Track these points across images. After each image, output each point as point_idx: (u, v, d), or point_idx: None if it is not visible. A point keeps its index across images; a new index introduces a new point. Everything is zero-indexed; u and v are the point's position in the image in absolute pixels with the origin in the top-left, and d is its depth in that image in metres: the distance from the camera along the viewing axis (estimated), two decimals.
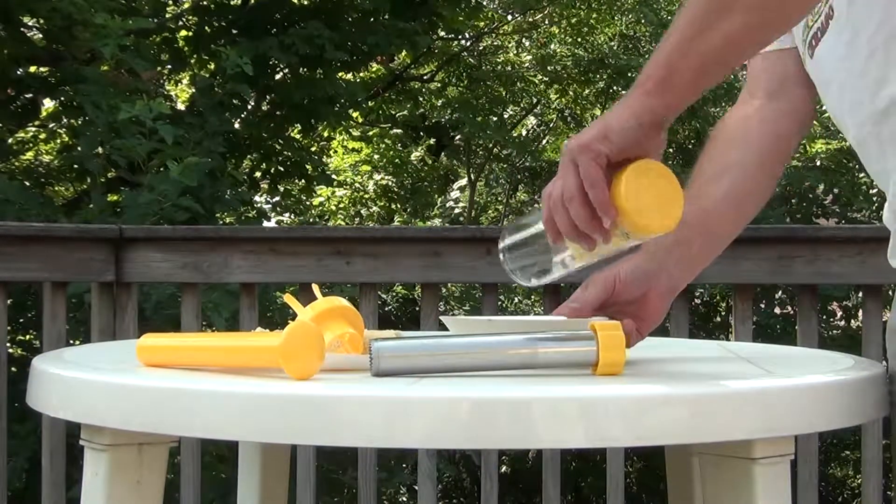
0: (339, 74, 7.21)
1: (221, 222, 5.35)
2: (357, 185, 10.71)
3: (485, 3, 9.38)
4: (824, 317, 6.36)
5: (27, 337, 5.28)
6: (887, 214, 1.19)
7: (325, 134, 9.38)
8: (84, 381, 1.04)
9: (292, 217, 9.77)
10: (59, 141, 7.01)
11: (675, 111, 1.08)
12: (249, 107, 6.67)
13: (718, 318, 7.43)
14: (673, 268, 1.30)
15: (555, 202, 1.09)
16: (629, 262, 1.27)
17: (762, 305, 6.33)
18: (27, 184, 5.71)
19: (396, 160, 10.60)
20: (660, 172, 1.08)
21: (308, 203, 9.92)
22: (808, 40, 1.22)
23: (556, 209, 1.09)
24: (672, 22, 1.08)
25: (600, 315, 1.23)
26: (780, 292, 6.37)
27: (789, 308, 6.39)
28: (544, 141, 11.46)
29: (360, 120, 9.30)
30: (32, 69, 6.22)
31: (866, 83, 1.13)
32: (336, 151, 10.64)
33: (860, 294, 3.00)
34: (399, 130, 10.34)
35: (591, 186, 1.05)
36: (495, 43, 11.11)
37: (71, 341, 3.30)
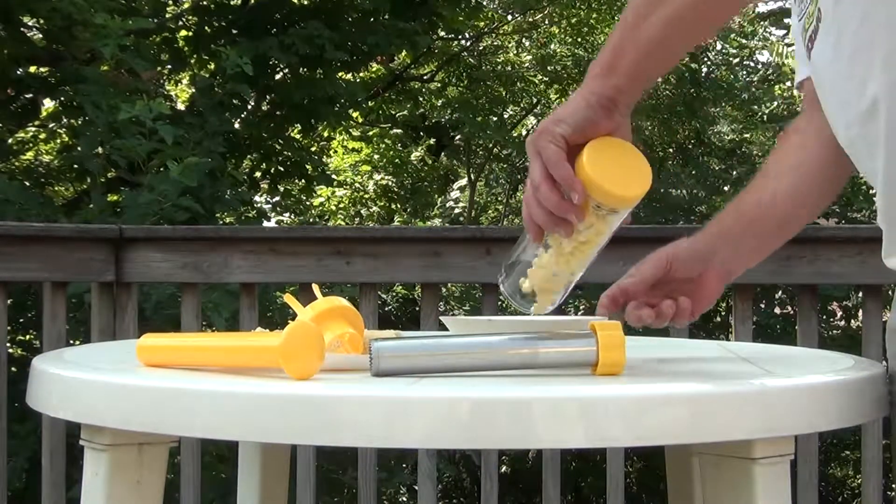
0: (339, 74, 7.21)
1: (221, 222, 5.35)
2: (357, 185, 10.72)
3: (485, 3, 9.38)
4: (824, 317, 6.36)
5: (27, 337, 5.28)
6: (879, 216, 1.20)
7: (325, 134, 9.38)
8: (84, 381, 1.04)
9: (292, 217, 9.77)
10: (59, 141, 7.01)
11: (626, 94, 1.11)
12: (249, 107, 6.67)
13: (718, 318, 7.43)
14: (727, 253, 1.33)
15: (526, 196, 1.12)
16: (686, 243, 1.30)
17: (762, 305, 6.33)
18: (27, 184, 5.71)
19: (396, 160, 10.60)
20: (619, 145, 1.10)
21: (308, 203, 9.92)
22: (806, 44, 1.23)
23: (529, 203, 1.11)
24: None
25: (657, 293, 1.27)
26: (780, 292, 6.37)
27: (789, 308, 6.39)
28: None
29: (360, 120, 9.30)
30: (32, 69, 6.22)
31: (852, 84, 1.13)
32: (336, 151, 10.64)
33: (860, 294, 2.99)
34: (399, 130, 10.34)
35: (553, 167, 1.08)
36: (495, 43, 11.11)
37: (71, 341, 3.30)
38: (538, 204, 1.10)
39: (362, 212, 10.77)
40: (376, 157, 10.62)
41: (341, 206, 10.59)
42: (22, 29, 5.96)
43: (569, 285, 1.20)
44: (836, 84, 1.17)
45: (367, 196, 10.73)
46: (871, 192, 7.16)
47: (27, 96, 6.41)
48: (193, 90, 6.85)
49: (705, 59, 11.01)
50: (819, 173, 1.35)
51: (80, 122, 5.48)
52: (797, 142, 1.38)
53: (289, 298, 1.22)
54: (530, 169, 1.10)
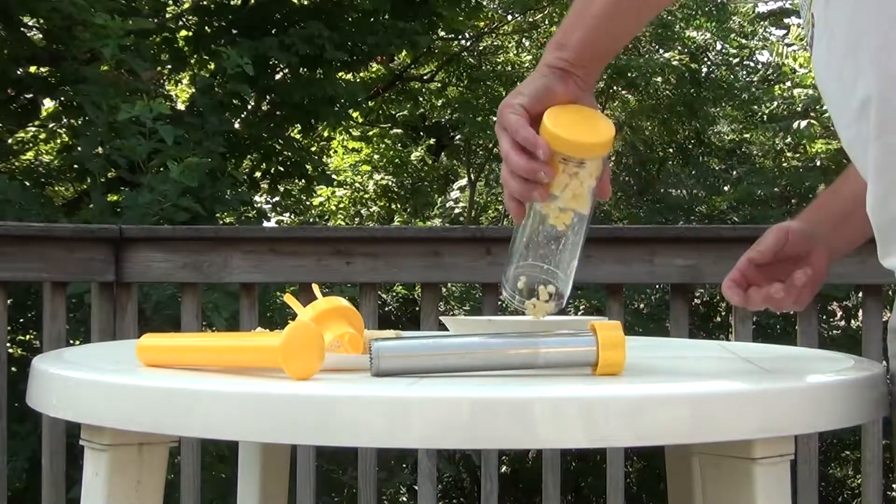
0: (339, 74, 7.22)
1: (221, 222, 5.35)
2: (357, 185, 10.72)
3: (485, 3, 9.38)
4: (824, 317, 6.36)
5: (27, 337, 5.29)
6: (870, 216, 1.20)
7: (325, 134, 9.38)
8: (84, 381, 1.04)
9: (292, 217, 9.77)
10: (59, 141, 7.02)
11: (579, 67, 1.16)
12: (249, 107, 6.68)
13: (718, 318, 7.43)
14: (831, 234, 1.39)
15: (502, 175, 1.15)
16: (796, 221, 1.36)
17: None
18: (27, 184, 5.71)
19: (396, 160, 10.60)
20: (580, 109, 1.14)
21: (308, 203, 9.92)
22: (807, 49, 1.24)
23: (504, 179, 1.14)
24: None
25: (772, 275, 1.30)
26: None
27: None
28: None
29: (360, 120, 9.30)
30: (32, 69, 6.22)
31: (844, 85, 1.14)
32: (336, 151, 10.64)
33: (860, 294, 2.99)
34: (399, 130, 10.34)
35: (515, 132, 1.11)
36: (495, 43, 11.11)
37: (71, 341, 3.30)
38: (511, 175, 1.13)
39: (362, 212, 10.77)
40: (376, 157, 10.63)
41: (341, 206, 10.59)
42: (22, 29, 5.96)
43: (565, 275, 1.17)
44: (831, 86, 1.18)
45: (367, 196, 10.73)
46: None
47: (27, 96, 6.41)
48: (193, 90, 6.86)
49: (705, 59, 11.01)
50: None
51: (80, 122, 5.48)
52: None
53: (289, 298, 1.22)
54: (500, 145, 1.14)
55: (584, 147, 1.11)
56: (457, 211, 10.79)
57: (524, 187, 1.12)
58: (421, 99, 10.30)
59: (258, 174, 7.22)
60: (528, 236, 1.16)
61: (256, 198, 7.48)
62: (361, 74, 8.38)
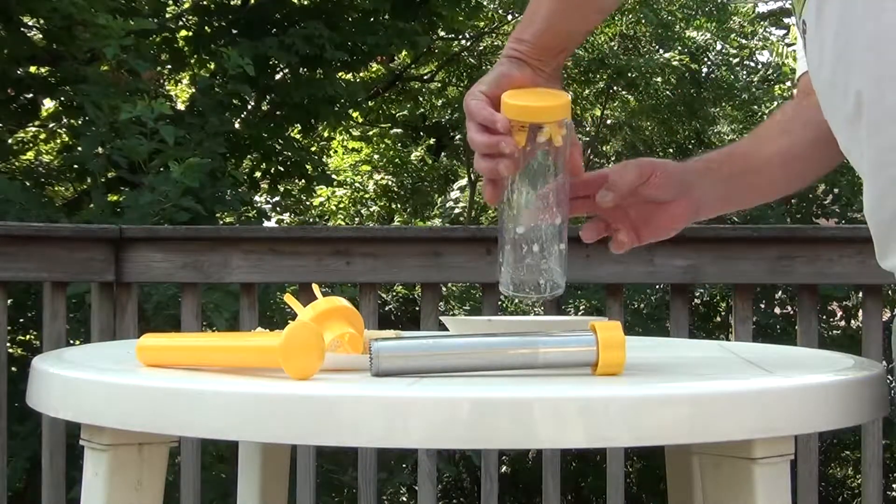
0: (339, 74, 7.22)
1: (221, 222, 5.35)
2: (357, 185, 10.71)
3: (485, 3, 9.38)
4: (824, 317, 6.36)
5: (27, 337, 5.28)
6: (867, 218, 1.20)
7: (325, 134, 9.38)
8: (84, 381, 1.04)
9: (292, 217, 9.77)
10: (59, 141, 7.02)
11: (536, 59, 1.19)
12: (249, 107, 6.68)
13: (718, 318, 7.42)
14: (706, 189, 1.31)
15: (475, 162, 1.18)
16: (671, 163, 1.30)
17: (762, 305, 6.32)
18: (27, 184, 5.71)
19: (396, 160, 10.60)
20: (536, 88, 1.18)
21: (308, 203, 9.92)
22: (802, 51, 1.24)
23: (476, 162, 1.17)
24: None
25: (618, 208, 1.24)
26: (780, 292, 6.36)
27: (789, 308, 6.39)
28: None
29: (360, 120, 9.30)
30: (32, 69, 6.22)
31: (837, 90, 1.14)
32: (336, 151, 10.64)
33: (860, 294, 2.99)
34: (399, 130, 10.34)
35: (475, 115, 1.16)
36: (495, 43, 11.11)
37: (71, 341, 3.30)
38: (480, 156, 1.16)
39: (362, 212, 10.77)
40: (376, 157, 10.63)
41: (341, 206, 10.59)
42: (22, 29, 5.96)
43: (558, 266, 1.17)
44: (826, 92, 1.18)
45: (367, 196, 10.73)
46: None
47: (27, 96, 6.41)
48: (193, 90, 6.86)
49: (705, 59, 11.01)
50: (812, 145, 1.35)
51: (80, 122, 5.48)
52: (794, 114, 1.39)
53: (289, 298, 1.22)
54: (467, 133, 1.17)
55: (539, 110, 1.14)
56: (457, 211, 10.79)
57: (491, 163, 1.15)
58: (421, 99, 10.30)
59: (258, 174, 7.22)
60: (511, 233, 1.17)
61: (256, 198, 7.48)
62: (361, 74, 8.38)
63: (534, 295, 1.19)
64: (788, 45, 9.27)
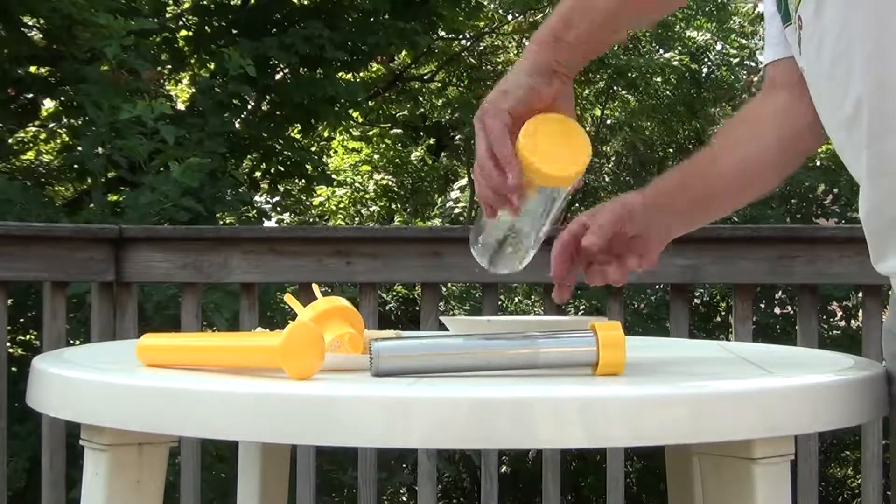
0: (339, 74, 7.21)
1: (222, 222, 5.34)
2: (357, 185, 10.71)
3: (485, 3, 9.38)
4: (824, 317, 6.36)
5: (27, 337, 5.28)
6: (863, 223, 1.20)
7: (325, 134, 9.38)
8: (84, 381, 1.04)
9: (292, 217, 9.77)
10: (59, 141, 7.02)
11: (571, 64, 1.14)
12: (249, 107, 6.68)
13: (718, 318, 7.42)
14: (671, 217, 1.31)
15: (475, 173, 1.14)
16: (634, 199, 1.29)
17: (762, 305, 6.33)
18: (28, 184, 5.71)
19: (396, 160, 10.59)
20: (562, 121, 1.12)
21: (308, 203, 9.92)
22: (796, 45, 1.23)
23: (476, 179, 1.13)
24: None
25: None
26: (780, 292, 6.36)
27: (789, 308, 6.39)
28: None
29: (360, 120, 9.30)
30: (32, 69, 6.21)
31: (835, 90, 1.14)
32: (336, 151, 10.63)
33: (860, 294, 2.99)
34: (399, 130, 10.34)
35: (494, 142, 1.10)
36: (495, 43, 11.11)
37: (71, 341, 3.30)
38: (484, 182, 1.12)
39: (362, 212, 10.76)
40: (376, 157, 10.62)
41: (341, 206, 10.58)
42: (22, 29, 5.96)
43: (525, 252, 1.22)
44: (822, 87, 1.18)
45: (367, 196, 10.72)
46: None
47: (27, 96, 6.41)
48: (193, 90, 6.86)
49: (705, 59, 11.01)
50: (773, 152, 1.35)
51: (80, 122, 5.47)
52: (754, 117, 1.38)
53: (289, 298, 1.22)
54: (476, 144, 1.12)
55: (557, 180, 1.11)
56: (457, 211, 10.78)
57: (495, 198, 1.12)
58: (421, 99, 10.29)
59: (258, 174, 7.22)
60: (498, 235, 1.21)
61: (256, 198, 7.48)
62: (361, 74, 8.38)
63: (507, 271, 1.27)
64: None
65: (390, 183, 10.72)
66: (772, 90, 1.36)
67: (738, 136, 1.37)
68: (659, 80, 10.50)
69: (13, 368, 3.26)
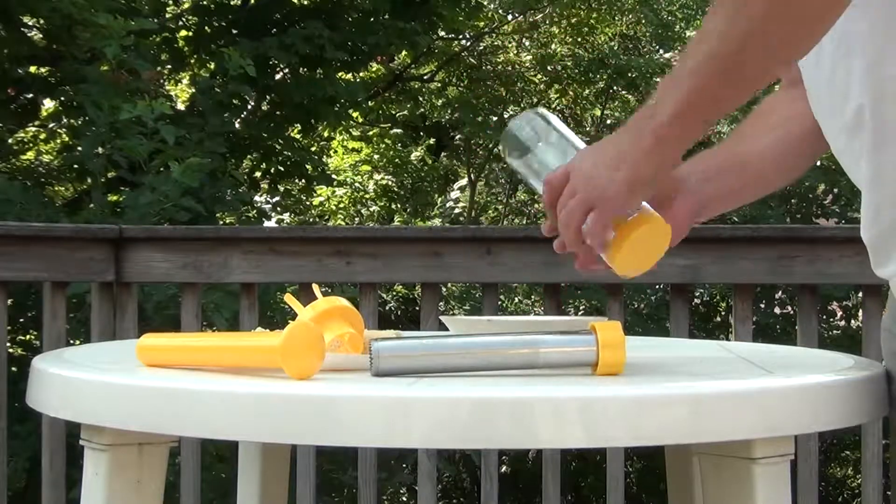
0: (339, 74, 7.21)
1: (222, 222, 5.34)
2: (357, 185, 10.71)
3: (485, 3, 9.38)
4: (824, 317, 6.36)
5: (27, 337, 5.28)
6: (862, 230, 1.20)
7: (325, 134, 9.38)
8: (84, 381, 1.04)
9: (292, 217, 9.77)
10: (59, 141, 7.02)
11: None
12: (249, 107, 6.68)
13: (718, 318, 7.42)
14: (703, 185, 1.31)
15: (560, 219, 1.12)
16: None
17: (762, 305, 6.32)
18: (27, 184, 5.71)
19: (396, 160, 10.59)
20: (653, 227, 1.14)
21: (308, 203, 9.92)
22: None
23: (571, 220, 1.12)
24: (687, 53, 1.07)
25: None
26: (780, 292, 6.36)
27: (789, 308, 6.39)
28: None
29: (360, 120, 9.30)
30: (32, 69, 6.21)
31: (835, 96, 1.14)
32: (336, 151, 10.63)
33: (860, 294, 2.99)
34: (399, 130, 10.34)
35: (591, 237, 1.11)
36: (495, 43, 11.11)
37: (71, 341, 3.30)
38: (568, 233, 1.12)
39: (362, 212, 10.76)
40: (376, 157, 10.62)
41: (341, 206, 10.58)
42: (22, 29, 5.96)
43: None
44: (822, 93, 1.18)
45: (367, 196, 10.72)
46: None
47: (27, 96, 6.41)
48: (193, 90, 6.86)
49: None
50: (800, 139, 1.34)
51: (80, 122, 5.47)
52: (769, 124, 1.38)
53: (289, 298, 1.22)
54: (571, 209, 1.11)
55: (626, 276, 1.17)
56: (457, 211, 10.78)
57: (576, 248, 1.14)
58: (421, 99, 10.29)
59: (258, 174, 7.22)
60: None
61: (256, 198, 7.48)
62: (361, 74, 8.38)
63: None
64: None
65: (390, 183, 10.71)
66: (792, 87, 1.35)
67: (762, 127, 1.37)
68: (659, 80, 10.49)
69: (13, 368, 3.26)
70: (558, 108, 11.26)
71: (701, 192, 1.29)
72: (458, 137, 10.71)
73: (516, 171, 1.25)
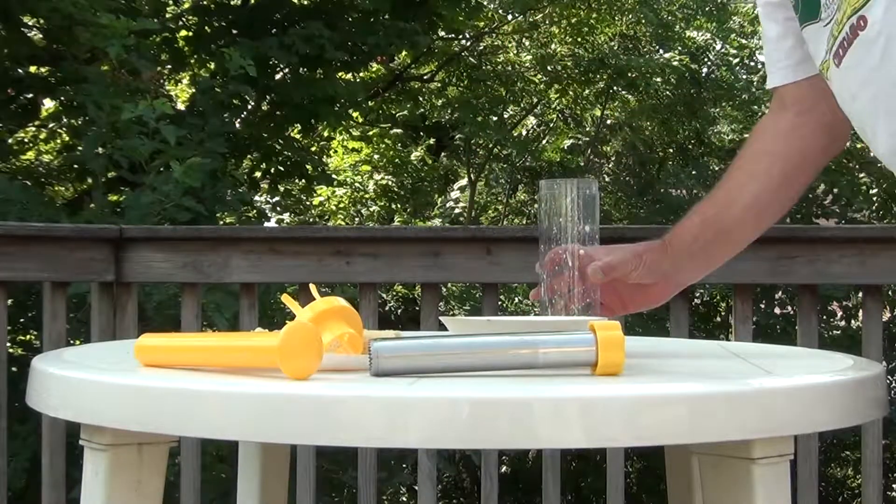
0: (339, 74, 7.22)
1: (222, 222, 5.34)
2: (357, 185, 10.71)
3: (485, 3, 9.38)
4: (824, 317, 6.36)
5: (27, 337, 5.28)
6: None
7: (325, 134, 9.38)
8: (84, 381, 1.04)
9: (292, 217, 9.77)
10: (59, 141, 7.02)
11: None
12: (249, 107, 6.68)
13: (718, 318, 7.43)
14: (689, 267, 1.41)
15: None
16: (653, 253, 1.38)
17: (762, 305, 6.33)
18: (28, 184, 5.71)
19: (396, 160, 10.59)
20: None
21: (308, 203, 9.92)
22: (835, 49, 1.22)
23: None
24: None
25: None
26: (780, 292, 6.37)
27: (789, 308, 6.39)
28: (544, 141, 11.46)
29: (360, 120, 9.30)
30: (32, 69, 6.22)
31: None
32: (336, 151, 10.63)
33: (860, 294, 2.99)
34: (399, 130, 10.34)
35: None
36: (495, 43, 11.11)
37: (71, 341, 3.30)
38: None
39: (362, 212, 10.76)
40: (376, 157, 10.62)
41: (341, 206, 10.58)
42: (22, 29, 5.96)
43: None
44: (883, 90, 1.16)
45: (367, 196, 10.73)
46: (871, 192, 7.15)
47: (27, 96, 6.41)
48: (193, 90, 6.86)
49: (705, 59, 11.01)
50: (783, 182, 1.38)
51: (80, 122, 5.48)
52: (766, 147, 1.41)
53: (286, 299, 1.22)
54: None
55: None
56: (457, 211, 10.78)
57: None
58: (421, 99, 10.30)
59: (258, 174, 7.22)
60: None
61: (256, 198, 7.48)
62: (361, 74, 8.38)
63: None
64: None
65: (390, 183, 10.72)
66: (781, 111, 1.37)
67: (744, 176, 1.41)
68: (659, 80, 10.49)
69: (13, 368, 3.26)
70: (558, 108, 11.27)
71: (683, 272, 1.42)
72: (458, 137, 10.71)
73: None
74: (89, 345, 2.12)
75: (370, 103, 8.82)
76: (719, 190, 1.42)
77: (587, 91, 10.82)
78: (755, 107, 10.70)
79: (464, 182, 11.21)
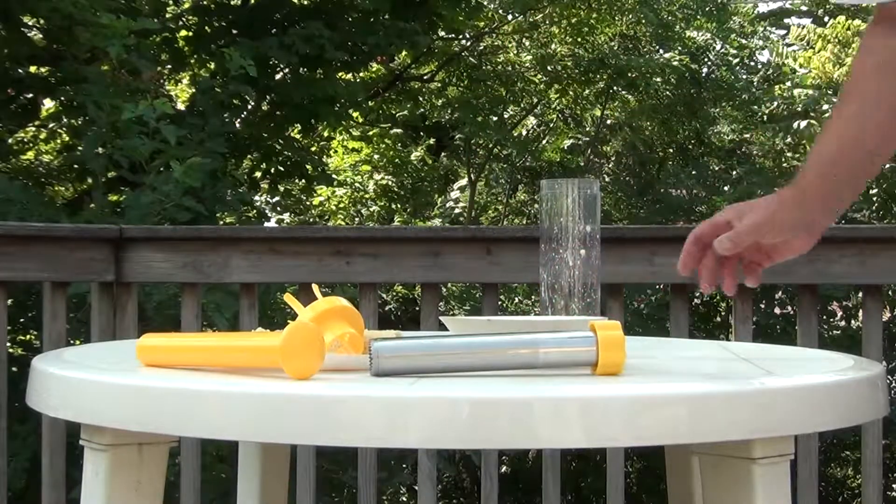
0: (339, 74, 7.22)
1: (222, 222, 5.34)
2: (357, 185, 10.72)
3: (485, 3, 9.38)
4: (824, 317, 6.36)
5: (27, 337, 5.28)
6: None
7: (325, 134, 9.39)
8: (84, 381, 1.04)
9: (292, 217, 9.77)
10: (59, 141, 7.02)
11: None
12: (250, 107, 6.68)
13: (718, 318, 7.43)
14: (825, 219, 1.37)
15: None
16: (784, 210, 1.32)
17: (762, 305, 6.33)
18: (28, 184, 5.71)
19: (396, 160, 10.60)
20: None
21: (308, 203, 9.92)
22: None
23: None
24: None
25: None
26: (780, 292, 6.36)
27: (789, 308, 6.39)
28: (544, 141, 11.47)
29: (360, 120, 9.30)
30: (32, 69, 6.22)
31: None
32: (336, 151, 10.64)
33: (860, 294, 2.99)
34: (399, 130, 10.34)
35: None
36: (495, 43, 11.11)
37: (71, 341, 3.30)
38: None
39: (362, 212, 10.77)
40: (376, 157, 10.63)
41: (341, 206, 10.59)
42: (22, 29, 5.96)
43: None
44: None
45: (367, 196, 10.73)
46: (871, 192, 7.15)
47: (27, 96, 6.41)
48: (194, 90, 6.86)
49: (705, 59, 11.01)
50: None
51: (80, 122, 5.48)
52: (874, 64, 1.32)
53: (289, 298, 1.22)
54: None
55: None
56: (457, 211, 10.79)
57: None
58: (421, 99, 10.30)
59: (258, 174, 7.22)
60: None
61: (256, 198, 7.48)
62: (361, 74, 8.38)
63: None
64: (788, 45, 9.26)
65: (390, 183, 10.72)
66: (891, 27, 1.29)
67: (867, 95, 1.32)
68: (659, 80, 10.50)
69: (13, 368, 3.26)
70: (558, 108, 11.27)
71: (823, 223, 1.39)
72: (458, 137, 10.72)
73: None
74: (89, 345, 2.12)
75: (370, 103, 8.83)
76: (836, 119, 1.33)
77: (587, 91, 10.83)
78: (755, 107, 10.71)
79: (464, 182, 11.21)
